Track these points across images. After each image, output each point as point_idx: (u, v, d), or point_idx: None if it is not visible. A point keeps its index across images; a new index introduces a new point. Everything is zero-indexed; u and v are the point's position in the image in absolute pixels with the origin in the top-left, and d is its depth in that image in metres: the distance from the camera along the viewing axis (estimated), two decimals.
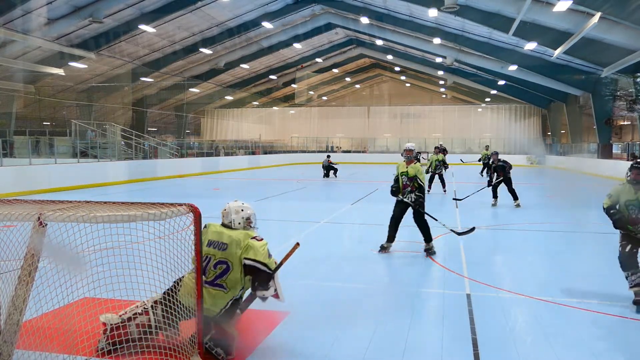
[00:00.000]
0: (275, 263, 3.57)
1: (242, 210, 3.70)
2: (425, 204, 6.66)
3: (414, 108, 44.07)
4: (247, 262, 3.46)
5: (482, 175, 20.00)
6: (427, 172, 12.64)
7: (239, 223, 3.65)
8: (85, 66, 26.82)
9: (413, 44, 28.47)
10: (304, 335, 3.67)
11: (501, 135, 39.21)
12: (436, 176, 14.62)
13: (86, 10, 19.89)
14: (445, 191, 14.29)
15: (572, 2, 14.57)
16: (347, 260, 6.45)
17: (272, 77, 38.96)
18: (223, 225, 3.69)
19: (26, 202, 3.26)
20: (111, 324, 3.33)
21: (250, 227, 3.71)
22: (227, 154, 29.98)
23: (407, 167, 6.52)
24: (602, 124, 25.55)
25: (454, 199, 11.59)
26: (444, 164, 14.75)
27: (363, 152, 40.43)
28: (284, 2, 24.77)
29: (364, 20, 25.15)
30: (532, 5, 16.30)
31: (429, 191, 11.54)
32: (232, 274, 3.47)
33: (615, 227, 4.58)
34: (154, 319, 3.37)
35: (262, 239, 3.58)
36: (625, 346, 3.69)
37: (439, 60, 30.67)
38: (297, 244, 3.58)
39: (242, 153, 32.11)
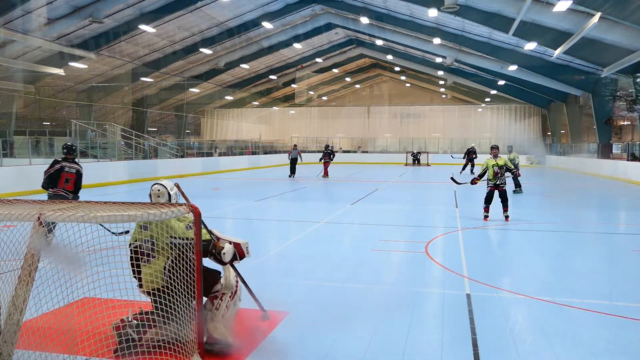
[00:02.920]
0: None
1: (172, 187, 3.85)
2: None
3: (414, 108, 44.08)
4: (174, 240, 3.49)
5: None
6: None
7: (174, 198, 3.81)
8: (85, 66, 26.82)
9: (413, 44, 28.48)
10: (304, 335, 3.67)
11: (501, 135, 39.20)
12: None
13: (86, 10, 19.89)
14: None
15: (572, 2, 14.57)
16: (347, 260, 6.45)
17: (272, 77, 38.96)
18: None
19: (26, 202, 3.26)
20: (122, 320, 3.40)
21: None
22: (220, 155, 29.93)
23: (496, 160, 8.98)
24: (602, 124, 25.56)
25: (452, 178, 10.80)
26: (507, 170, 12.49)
27: (355, 152, 40.29)
28: (284, 2, 24.76)
29: (364, 20, 25.15)
30: (532, 5, 16.30)
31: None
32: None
33: None
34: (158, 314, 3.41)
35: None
36: (625, 346, 3.69)
37: (439, 60, 30.67)
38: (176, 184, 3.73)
39: (237, 153, 32.01)
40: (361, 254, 6.82)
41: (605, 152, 25.29)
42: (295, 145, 22.20)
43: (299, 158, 21.14)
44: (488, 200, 8.98)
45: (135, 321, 3.40)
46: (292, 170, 20.98)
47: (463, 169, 23.14)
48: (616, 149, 27.87)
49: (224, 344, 3.44)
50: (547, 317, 4.26)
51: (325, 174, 20.82)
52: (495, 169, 8.89)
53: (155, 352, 3.16)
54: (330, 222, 9.37)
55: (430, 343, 3.70)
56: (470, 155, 23.14)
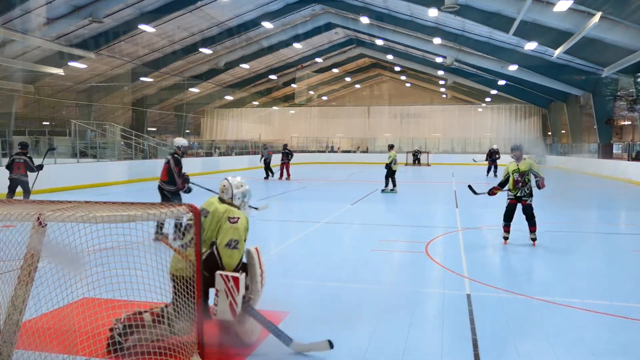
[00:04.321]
0: (239, 261, 3.53)
1: (242, 186, 3.79)
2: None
3: (414, 108, 44.08)
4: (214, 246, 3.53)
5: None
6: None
7: (239, 198, 3.73)
8: (85, 66, 26.81)
9: (413, 44, 28.48)
10: (304, 335, 3.66)
11: (501, 135, 39.21)
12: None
13: (86, 10, 19.88)
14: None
15: (572, 2, 14.57)
16: (347, 260, 6.44)
17: (272, 77, 38.95)
18: (220, 199, 3.76)
19: (26, 202, 3.25)
20: (126, 314, 3.41)
21: (243, 202, 3.78)
22: (221, 155, 29.91)
23: (518, 164, 7.01)
24: (602, 124, 25.57)
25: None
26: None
27: (354, 152, 40.26)
28: (284, 2, 24.75)
29: (364, 20, 25.15)
30: (533, 5, 16.30)
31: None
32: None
33: None
34: (167, 311, 3.43)
35: (236, 220, 3.54)
36: (625, 346, 3.69)
37: (439, 60, 30.67)
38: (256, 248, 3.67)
39: (234, 154, 32.01)
40: (361, 254, 6.82)
41: (605, 152, 25.29)
42: (265, 145, 21.09)
43: (270, 158, 20.03)
44: (507, 216, 7.07)
45: (121, 324, 3.38)
46: (268, 172, 19.96)
47: (488, 172, 21.70)
48: (617, 149, 27.86)
49: (249, 344, 3.55)
50: (547, 317, 4.26)
51: (284, 175, 19.51)
52: (516, 176, 6.94)
53: (156, 352, 3.16)
54: (330, 222, 9.37)
55: (430, 343, 3.70)
56: (492, 156, 21.68)
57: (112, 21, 22.06)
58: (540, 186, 6.85)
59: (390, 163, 14.38)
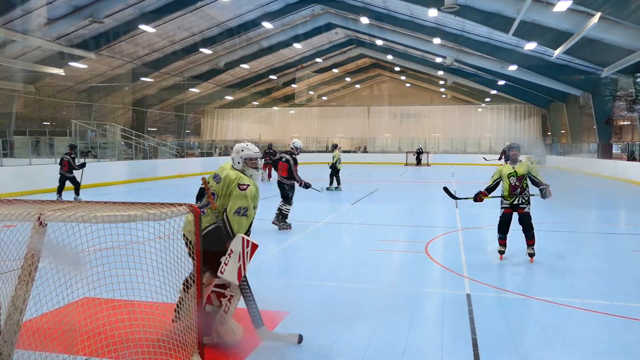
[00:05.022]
0: (244, 227, 3.57)
1: (243, 150, 3.79)
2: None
3: (414, 108, 44.07)
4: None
5: None
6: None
7: (238, 162, 3.77)
8: (85, 66, 26.82)
9: (413, 44, 28.47)
10: (304, 335, 3.67)
11: (501, 135, 39.22)
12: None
13: (86, 10, 19.88)
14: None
15: (572, 2, 14.57)
16: (347, 260, 6.45)
17: (272, 77, 38.95)
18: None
19: (26, 202, 3.26)
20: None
21: (252, 168, 3.80)
22: (220, 154, 29.90)
23: (514, 167, 6.13)
24: (602, 124, 25.56)
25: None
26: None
27: (355, 152, 40.22)
28: (284, 2, 24.75)
29: (364, 20, 25.15)
30: (532, 5, 16.30)
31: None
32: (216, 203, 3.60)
33: None
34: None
35: (245, 188, 3.59)
36: (625, 346, 3.69)
37: (439, 60, 30.67)
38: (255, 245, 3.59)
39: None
40: (361, 254, 6.82)
41: (605, 152, 25.29)
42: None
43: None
44: (503, 228, 6.20)
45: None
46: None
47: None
48: (616, 149, 27.87)
49: (233, 343, 3.52)
50: (547, 317, 4.26)
51: (271, 177, 18.40)
52: (513, 180, 6.06)
53: (156, 352, 3.16)
54: (330, 222, 9.37)
55: (430, 343, 3.70)
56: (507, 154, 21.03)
57: (112, 21, 22.05)
58: (545, 196, 5.96)
59: (335, 162, 15.30)
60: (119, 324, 3.39)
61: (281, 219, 8.35)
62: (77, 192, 12.09)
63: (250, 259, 3.40)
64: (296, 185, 8.47)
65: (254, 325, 3.54)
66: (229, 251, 3.43)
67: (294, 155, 8.45)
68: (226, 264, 3.39)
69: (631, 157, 21.64)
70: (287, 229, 8.30)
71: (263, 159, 17.92)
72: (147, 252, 3.17)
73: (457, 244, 7.26)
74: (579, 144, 29.82)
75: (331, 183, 15.27)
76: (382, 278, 5.66)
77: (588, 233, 8.70)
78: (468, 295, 4.78)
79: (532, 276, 5.72)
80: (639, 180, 17.72)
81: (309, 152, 37.84)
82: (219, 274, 3.44)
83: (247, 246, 3.38)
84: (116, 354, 3.25)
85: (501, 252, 6.28)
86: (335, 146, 16.07)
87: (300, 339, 3.56)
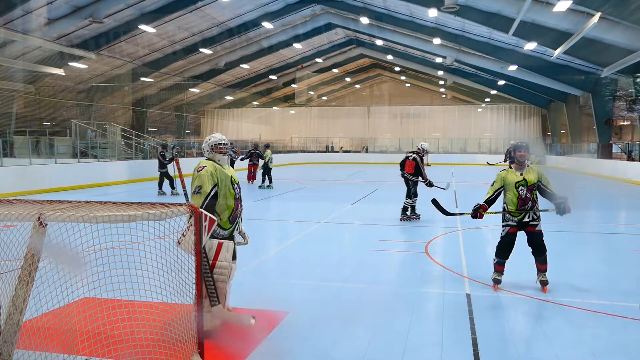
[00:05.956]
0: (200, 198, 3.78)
1: (210, 139, 4.13)
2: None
3: (414, 108, 44.07)
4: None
5: None
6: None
7: (207, 151, 4.09)
8: (85, 66, 26.81)
9: (413, 44, 28.47)
10: (304, 335, 3.67)
11: (501, 136, 39.23)
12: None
13: (86, 10, 19.88)
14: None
15: (572, 2, 14.57)
16: (347, 260, 6.45)
17: (272, 77, 38.95)
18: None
19: (26, 202, 3.26)
20: None
21: (219, 153, 4.06)
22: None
23: (522, 173, 4.88)
24: (602, 124, 25.55)
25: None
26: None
27: (357, 152, 40.23)
28: (284, 2, 24.75)
29: (364, 20, 25.14)
30: (532, 5, 16.30)
31: None
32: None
33: None
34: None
35: (201, 169, 3.88)
36: (625, 346, 3.69)
37: (439, 60, 30.66)
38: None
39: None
40: (361, 254, 6.82)
41: (605, 152, 25.29)
42: (232, 144, 16.66)
43: (235, 159, 18.02)
44: (504, 251, 4.98)
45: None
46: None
47: None
48: (616, 149, 27.87)
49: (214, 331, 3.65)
50: (547, 317, 4.26)
51: (259, 178, 17.09)
52: (522, 191, 4.79)
53: (156, 351, 3.16)
54: (330, 222, 9.37)
55: (430, 343, 3.70)
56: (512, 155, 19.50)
57: (112, 21, 22.05)
58: (564, 212, 4.80)
59: (267, 162, 16.28)
60: (119, 324, 3.40)
61: (410, 211, 9.40)
62: (171, 186, 13.53)
63: (208, 232, 3.49)
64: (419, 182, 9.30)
65: (210, 304, 3.63)
66: (188, 224, 3.49)
67: (421, 155, 9.40)
68: (184, 236, 3.49)
69: (631, 157, 21.63)
70: (416, 219, 9.37)
71: (249, 159, 17.78)
72: (147, 252, 3.17)
73: (457, 244, 7.26)
74: (579, 144, 29.81)
75: (263, 181, 16.22)
76: (382, 278, 5.66)
77: (588, 233, 8.69)
78: (468, 295, 4.78)
79: (532, 276, 5.72)
80: (638, 180, 17.72)
81: (309, 152, 37.87)
82: (176, 244, 3.54)
83: (205, 220, 3.47)
84: (116, 354, 3.25)
85: (496, 282, 4.99)
86: (267, 146, 17.20)
87: (252, 320, 3.70)
